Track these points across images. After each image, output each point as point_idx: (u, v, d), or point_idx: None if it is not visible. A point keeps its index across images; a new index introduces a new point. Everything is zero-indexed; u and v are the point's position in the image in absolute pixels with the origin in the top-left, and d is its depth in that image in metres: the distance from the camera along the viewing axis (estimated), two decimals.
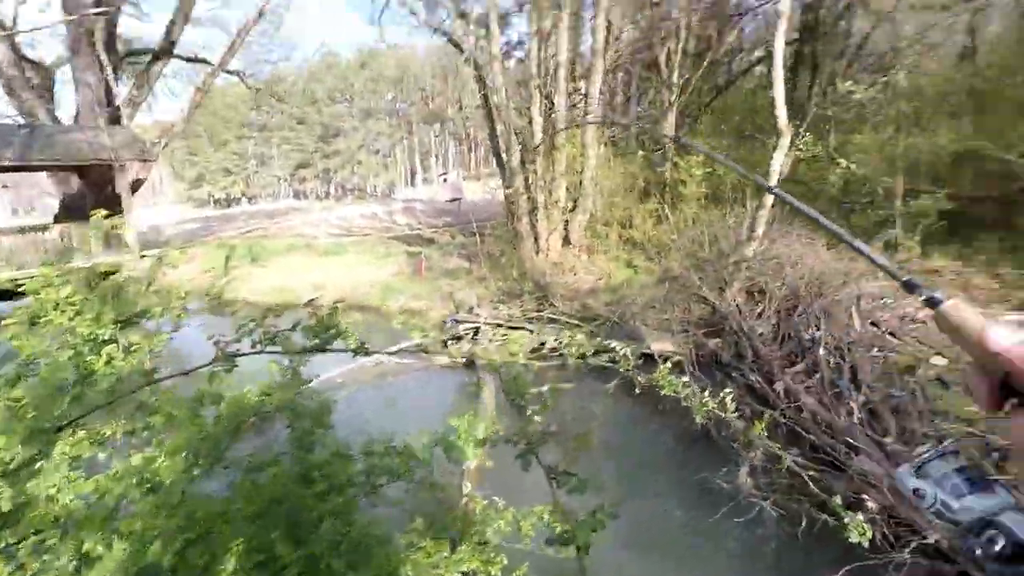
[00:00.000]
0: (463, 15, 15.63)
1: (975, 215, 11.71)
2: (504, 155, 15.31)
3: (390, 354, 10.05)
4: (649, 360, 9.79)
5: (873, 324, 9.90)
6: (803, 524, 5.63)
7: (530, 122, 15.16)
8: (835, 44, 14.12)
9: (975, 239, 11.35)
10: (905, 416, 7.07)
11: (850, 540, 5.60)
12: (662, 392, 3.44)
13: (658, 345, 10.16)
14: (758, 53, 21.72)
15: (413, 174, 63.06)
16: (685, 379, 3.45)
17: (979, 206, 11.80)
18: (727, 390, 3.69)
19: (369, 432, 4.62)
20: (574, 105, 16.47)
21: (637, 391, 8.96)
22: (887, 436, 6.74)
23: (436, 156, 62.38)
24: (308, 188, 65.35)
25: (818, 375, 8.43)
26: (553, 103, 14.95)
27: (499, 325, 10.88)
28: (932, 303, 0.93)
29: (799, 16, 15.53)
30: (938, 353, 9.01)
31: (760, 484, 6.13)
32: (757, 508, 5.77)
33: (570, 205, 15.26)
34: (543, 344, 10.75)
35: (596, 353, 10.09)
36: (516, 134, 15.18)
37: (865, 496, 5.85)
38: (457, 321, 11.16)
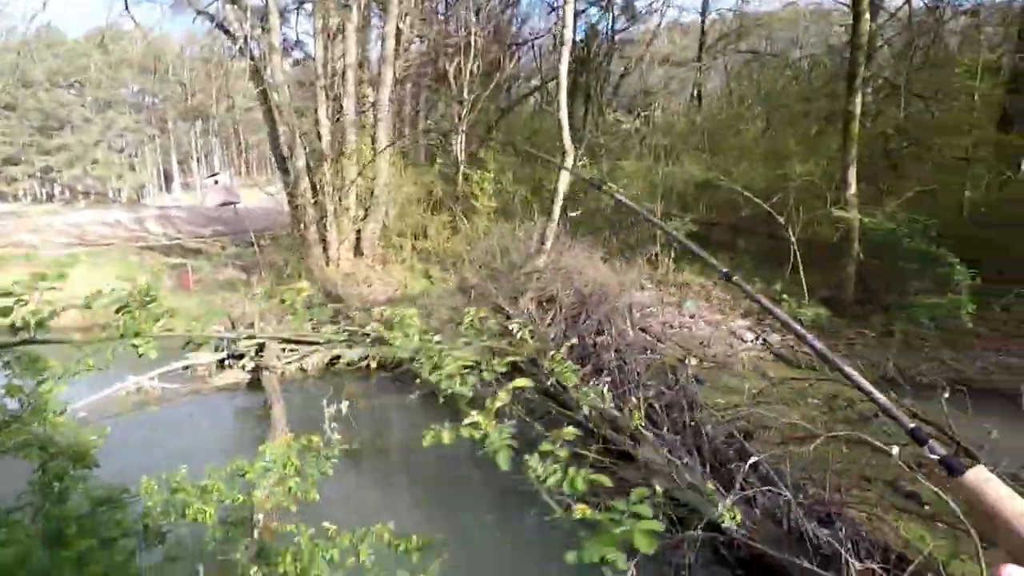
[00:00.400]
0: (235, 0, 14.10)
1: (712, 237, 14.06)
2: (288, 158, 14.11)
3: (153, 377, 8.43)
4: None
5: (642, 330, 11.21)
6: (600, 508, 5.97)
7: (316, 124, 14.24)
8: (602, 80, 15.89)
9: (713, 257, 13.60)
10: (674, 409, 8.03)
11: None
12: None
13: (458, 353, 10.16)
14: (534, 82, 23.63)
15: (168, 178, 55.05)
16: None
17: (715, 229, 14.22)
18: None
19: (136, 470, 3.74)
20: (363, 111, 15.93)
21: (441, 400, 8.91)
22: (663, 427, 7.59)
23: (198, 158, 55.29)
24: (20, 189, 52.84)
25: (604, 376, 9.20)
26: (342, 106, 14.25)
27: (288, 340, 9.85)
28: (951, 470, 0.80)
29: (574, 50, 17.19)
30: (693, 355, 10.56)
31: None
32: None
33: (361, 214, 14.65)
34: (338, 358, 10.02)
35: (397, 366, 9.71)
36: (302, 135, 14.14)
37: (654, 482, 6.47)
38: (234, 338, 9.83)
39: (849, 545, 4.62)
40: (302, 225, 13.82)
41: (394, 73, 15.32)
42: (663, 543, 5.51)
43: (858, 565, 4.50)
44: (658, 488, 6.13)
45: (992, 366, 9.47)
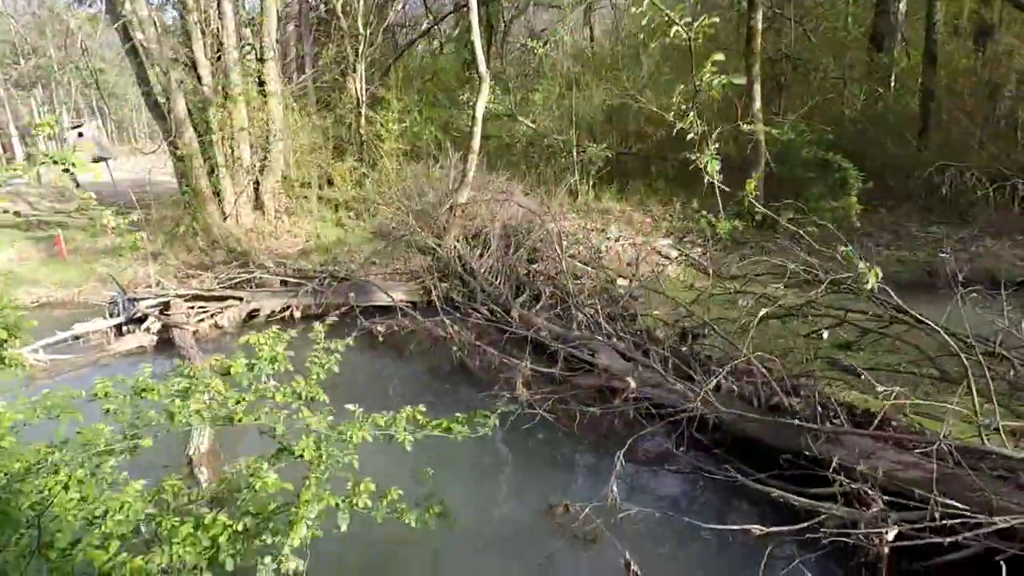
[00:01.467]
0: None
1: (627, 166, 14.28)
2: (164, 105, 12.52)
3: (37, 350, 7.29)
4: (383, 311, 9.29)
5: (572, 257, 11.22)
6: (577, 419, 5.98)
7: (193, 66, 12.69)
8: (501, 9, 15.36)
9: (628, 185, 13.85)
10: (619, 321, 8.12)
11: (614, 422, 6.18)
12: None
13: (389, 295, 9.68)
14: (425, 24, 22.63)
15: (7, 150, 47.70)
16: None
17: (628, 159, 14.42)
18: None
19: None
20: (245, 54, 14.42)
21: (380, 339, 8.47)
22: (612, 337, 7.67)
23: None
24: None
25: (542, 301, 9.15)
26: (221, 44, 12.78)
27: (198, 297, 8.89)
28: None
29: None
30: (621, 276, 10.75)
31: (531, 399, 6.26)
32: (537, 417, 5.89)
33: (257, 165, 13.40)
34: (257, 311, 9.21)
35: (324, 313, 9.09)
36: (179, 83, 12.57)
37: (615, 383, 6.53)
38: (133, 300, 8.73)
39: (819, 409, 4.86)
40: (191, 179, 12.42)
41: (277, 8, 13.93)
42: (641, 439, 5.60)
43: (828, 426, 4.75)
44: (632, 383, 6.24)
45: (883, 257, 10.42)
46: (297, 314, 9.43)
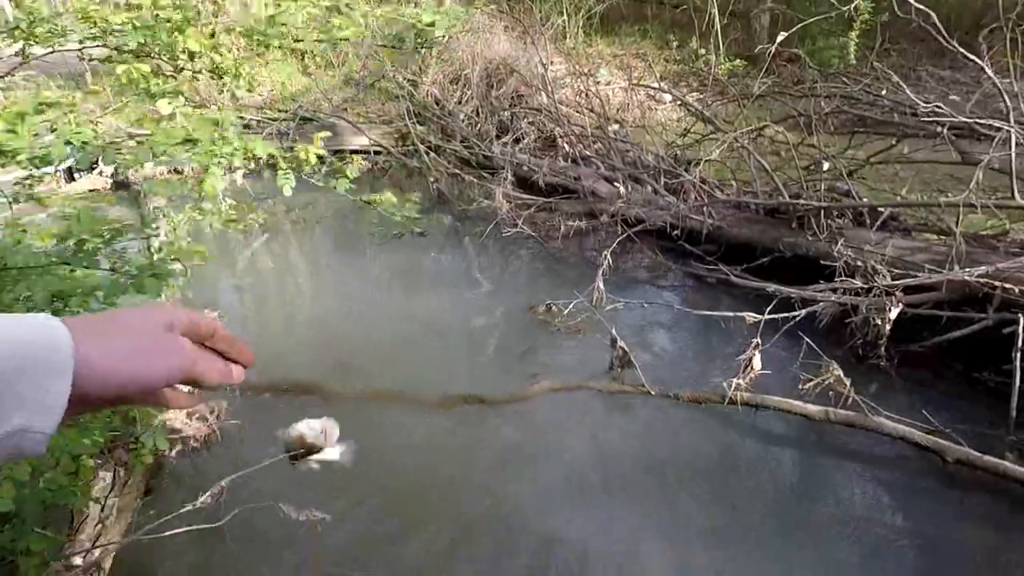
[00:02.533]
0: None
1: (618, 10, 13.12)
2: None
3: None
4: (355, 155, 8.70)
5: (559, 101, 10.48)
6: (560, 232, 5.67)
7: None
8: None
9: (621, 29, 12.81)
10: (610, 156, 7.62)
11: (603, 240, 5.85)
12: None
13: (361, 139, 9.04)
14: None
15: None
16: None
17: (621, 2, 13.23)
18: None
19: None
20: None
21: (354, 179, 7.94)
22: (599, 169, 7.21)
23: None
24: None
25: (526, 140, 8.59)
26: None
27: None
28: None
29: None
30: (613, 120, 10.09)
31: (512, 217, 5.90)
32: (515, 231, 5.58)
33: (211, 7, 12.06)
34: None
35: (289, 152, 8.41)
36: None
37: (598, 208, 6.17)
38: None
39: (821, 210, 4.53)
40: None
41: None
42: (630, 253, 5.32)
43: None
44: (621, 190, 5.88)
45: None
46: (263, 158, 8.76)
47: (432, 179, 7.16)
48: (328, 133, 8.55)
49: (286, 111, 9.74)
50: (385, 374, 3.87)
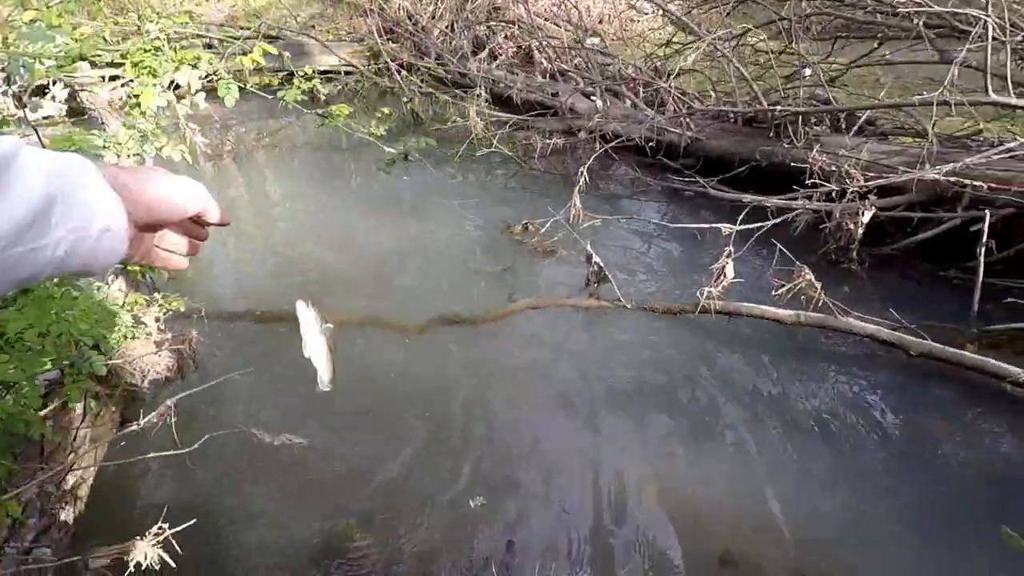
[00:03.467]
0: None
1: None
2: None
3: None
4: (323, 76, 8.33)
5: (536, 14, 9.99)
6: (537, 150, 5.55)
7: None
8: None
9: None
10: (589, 70, 7.34)
11: (579, 158, 5.75)
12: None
13: (330, 58, 8.62)
14: None
15: None
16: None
17: None
18: None
19: None
20: None
21: (324, 100, 7.66)
22: (577, 84, 6.98)
23: None
24: None
25: (502, 56, 8.25)
26: None
27: (111, 65, 7.74)
28: None
29: None
30: (592, 33, 9.67)
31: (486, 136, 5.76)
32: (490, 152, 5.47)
33: None
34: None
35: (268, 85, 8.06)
36: None
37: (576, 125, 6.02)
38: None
39: (799, 118, 4.44)
40: None
41: None
42: (608, 169, 5.25)
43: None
44: (598, 105, 5.75)
45: None
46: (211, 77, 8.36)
47: (405, 99, 6.91)
48: (275, 50, 8.18)
49: (248, 28, 9.21)
50: (361, 298, 3.87)
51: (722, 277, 3.35)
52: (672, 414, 3.05)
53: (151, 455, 1.99)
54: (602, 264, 3.63)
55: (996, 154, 3.18)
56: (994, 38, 3.07)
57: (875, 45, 5.04)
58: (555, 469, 2.73)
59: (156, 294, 2.71)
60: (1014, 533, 2.31)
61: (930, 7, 3.45)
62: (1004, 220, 3.35)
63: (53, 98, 7.56)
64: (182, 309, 2.73)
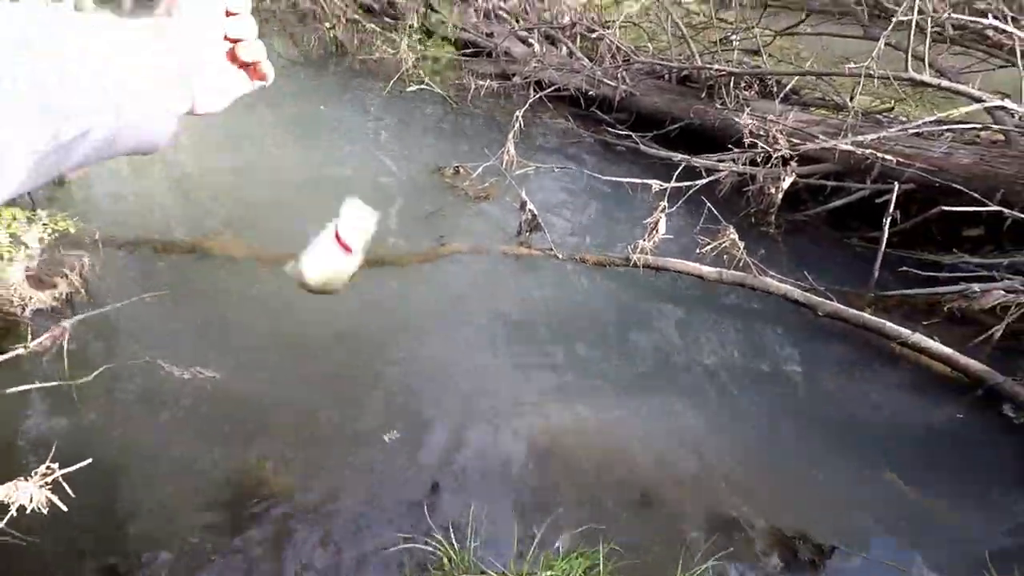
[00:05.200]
0: None
1: None
2: None
3: None
4: None
5: None
6: (470, 92, 5.35)
7: None
8: None
9: None
10: (525, 12, 7.10)
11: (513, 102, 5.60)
12: None
13: None
14: None
15: None
16: None
17: None
18: None
19: None
20: None
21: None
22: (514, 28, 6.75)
23: None
24: None
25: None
26: None
27: None
28: None
29: None
30: None
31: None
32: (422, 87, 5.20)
33: None
34: None
35: None
36: None
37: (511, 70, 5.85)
38: None
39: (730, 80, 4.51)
40: None
41: None
42: (541, 119, 5.14)
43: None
44: (535, 51, 5.59)
45: None
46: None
47: (328, 25, 6.39)
48: None
49: None
50: (275, 233, 3.60)
51: (654, 232, 3.39)
52: (595, 361, 3.11)
53: (36, 385, 1.75)
54: (535, 212, 3.57)
55: (910, 129, 3.39)
56: (919, 12, 3.23)
57: (803, 16, 5.18)
58: (477, 411, 2.72)
59: (39, 211, 2.36)
60: None
61: None
62: (904, 195, 3.60)
63: None
64: (72, 231, 2.40)
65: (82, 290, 2.48)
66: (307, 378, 2.72)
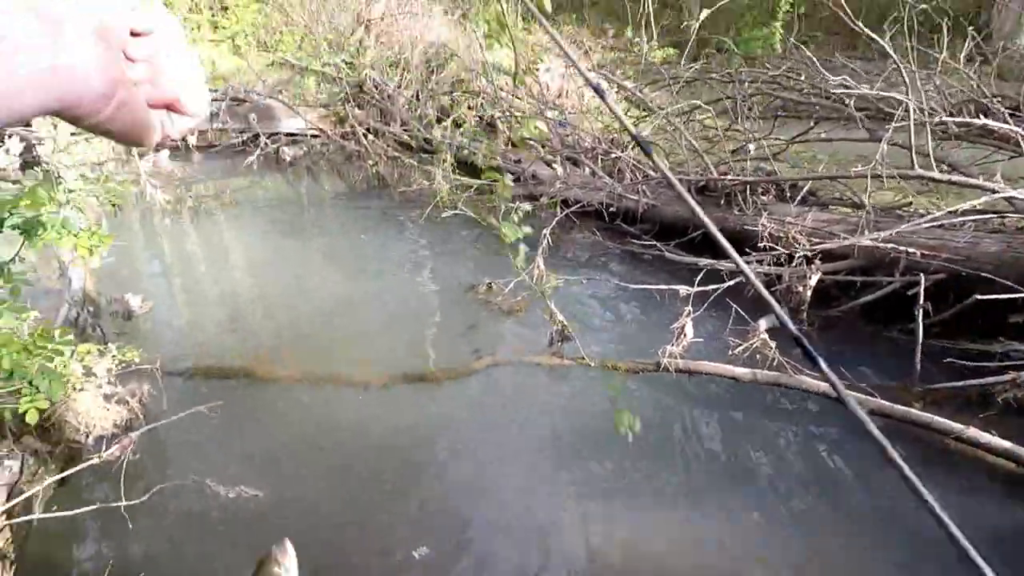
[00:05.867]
0: None
1: None
2: None
3: None
4: (290, 139, 8.50)
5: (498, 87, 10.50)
6: (501, 211, 5.68)
7: None
8: None
9: (558, 17, 12.99)
10: (549, 139, 7.70)
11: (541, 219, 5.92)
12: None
13: (297, 122, 8.77)
14: None
15: None
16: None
17: None
18: None
19: None
20: None
21: (289, 161, 7.79)
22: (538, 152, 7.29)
23: None
24: None
25: (466, 124, 8.57)
26: None
27: None
28: None
29: None
30: (551, 107, 10.19)
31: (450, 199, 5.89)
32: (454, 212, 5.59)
33: None
34: None
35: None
36: None
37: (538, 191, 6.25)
38: None
39: (747, 187, 4.73)
40: None
41: None
42: (568, 235, 5.42)
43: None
44: (559, 171, 5.96)
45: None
46: (192, 140, 8.39)
47: (371, 162, 7.05)
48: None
49: (215, 91, 9.33)
50: (318, 354, 3.80)
51: (682, 336, 3.44)
52: (636, 470, 3.05)
53: (93, 508, 1.86)
54: (565, 323, 3.69)
55: (925, 223, 3.45)
56: (916, 118, 3.40)
57: (811, 124, 5.47)
58: (513, 527, 2.67)
59: (110, 344, 2.61)
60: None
61: (858, 90, 3.82)
62: (937, 284, 3.59)
63: (7, 151, 7.42)
64: (137, 360, 2.62)
65: (140, 416, 2.66)
66: (342, 493, 2.76)
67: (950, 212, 3.52)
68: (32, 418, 1.75)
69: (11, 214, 2.11)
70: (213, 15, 12.56)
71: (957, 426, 2.94)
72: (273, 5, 12.16)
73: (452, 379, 3.63)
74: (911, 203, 4.15)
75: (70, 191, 3.65)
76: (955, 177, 3.58)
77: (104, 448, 2.03)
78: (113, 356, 2.52)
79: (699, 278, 3.86)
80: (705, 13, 5.67)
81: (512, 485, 2.93)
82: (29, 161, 7.16)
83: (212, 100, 8.85)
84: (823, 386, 3.29)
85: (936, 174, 3.49)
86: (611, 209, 5.54)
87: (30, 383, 1.69)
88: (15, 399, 1.72)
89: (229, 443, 2.87)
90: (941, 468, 3.02)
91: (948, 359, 3.45)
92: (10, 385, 1.67)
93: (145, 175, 5.74)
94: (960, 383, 3.33)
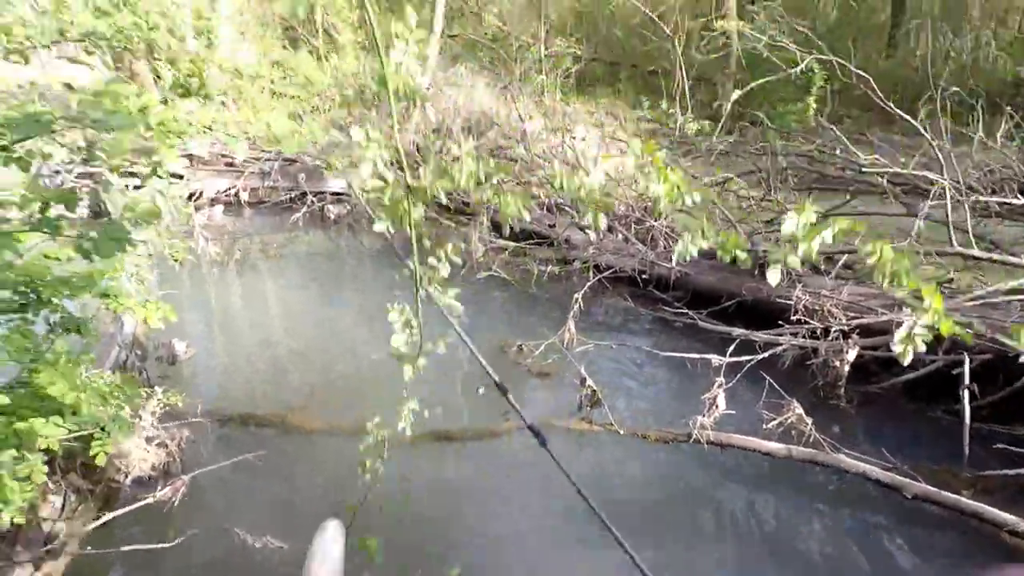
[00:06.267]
0: None
1: (593, 72, 13.86)
2: None
3: None
4: (335, 197, 8.90)
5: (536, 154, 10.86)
6: (534, 276, 5.79)
7: None
8: None
9: (595, 90, 13.48)
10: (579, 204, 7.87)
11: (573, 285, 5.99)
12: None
13: (342, 182, 9.19)
14: None
15: None
16: None
17: (595, 64, 13.97)
18: None
19: None
20: None
21: (333, 219, 8.12)
22: (573, 218, 7.45)
23: None
24: None
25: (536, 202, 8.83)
26: None
27: (132, 174, 8.19)
28: None
29: None
30: (585, 172, 10.46)
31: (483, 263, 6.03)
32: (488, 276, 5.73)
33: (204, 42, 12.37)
34: (199, 192, 8.59)
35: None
36: None
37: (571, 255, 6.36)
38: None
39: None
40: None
41: None
42: (601, 300, 5.47)
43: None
44: (592, 237, 6.07)
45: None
46: (244, 196, 8.84)
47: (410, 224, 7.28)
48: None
49: (270, 152, 9.88)
50: (353, 408, 3.84)
51: (714, 408, 3.39)
52: (661, 542, 2.95)
53: (129, 547, 1.90)
54: (595, 388, 3.67)
55: (967, 300, 3.38)
56: (952, 198, 3.40)
57: (848, 198, 5.48)
58: None
59: (156, 388, 2.71)
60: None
61: (891, 168, 3.85)
62: (984, 365, 3.48)
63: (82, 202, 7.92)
64: (180, 405, 2.71)
65: (178, 460, 2.72)
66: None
67: (994, 290, 3.45)
68: (101, 460, 1.84)
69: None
70: (272, 82, 13.43)
71: (1011, 518, 2.78)
72: (328, 73, 12.99)
73: (478, 439, 3.62)
74: (952, 280, 4.08)
75: (137, 254, 3.85)
76: (996, 256, 3.52)
77: (158, 488, 2.09)
78: (158, 400, 2.62)
79: (731, 348, 3.82)
80: (737, 94, 5.84)
81: (535, 549, 2.87)
82: (97, 211, 7.63)
83: (266, 160, 9.38)
84: (863, 466, 3.17)
85: (975, 251, 3.45)
86: (643, 275, 5.58)
87: (102, 428, 1.78)
88: (72, 436, 1.81)
89: (260, 491, 2.90)
90: (997, 560, 2.84)
91: (998, 444, 3.30)
92: (79, 428, 1.77)
93: (199, 228, 6.04)
94: (1012, 471, 3.17)
